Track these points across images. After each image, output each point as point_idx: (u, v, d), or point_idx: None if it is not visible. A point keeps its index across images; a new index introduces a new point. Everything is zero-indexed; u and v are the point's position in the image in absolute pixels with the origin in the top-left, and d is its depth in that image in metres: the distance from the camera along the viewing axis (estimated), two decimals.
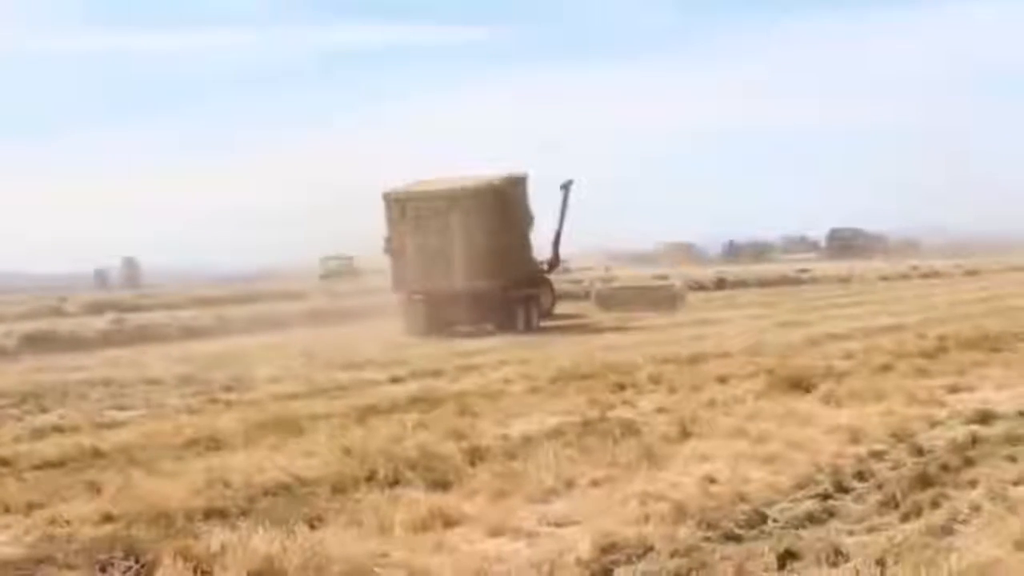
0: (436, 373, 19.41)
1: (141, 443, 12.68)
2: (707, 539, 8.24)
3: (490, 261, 30.28)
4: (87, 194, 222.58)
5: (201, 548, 7.98)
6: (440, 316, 30.49)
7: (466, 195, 30.77)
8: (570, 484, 10.05)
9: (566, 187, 34.04)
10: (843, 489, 9.75)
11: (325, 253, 71.03)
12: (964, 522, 8.49)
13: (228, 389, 18.01)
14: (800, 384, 15.48)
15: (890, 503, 9.10)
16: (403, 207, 31.04)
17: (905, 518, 8.70)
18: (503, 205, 31.22)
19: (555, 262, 34.65)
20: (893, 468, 10.52)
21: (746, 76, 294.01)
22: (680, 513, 8.82)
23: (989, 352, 19.55)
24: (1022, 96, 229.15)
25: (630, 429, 12.42)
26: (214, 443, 12.56)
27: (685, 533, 8.37)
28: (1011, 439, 11.69)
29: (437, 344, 25.86)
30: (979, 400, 14.41)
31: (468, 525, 8.86)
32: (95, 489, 10.20)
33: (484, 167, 33.10)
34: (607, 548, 7.97)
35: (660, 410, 14.02)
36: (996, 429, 12.31)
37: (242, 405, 15.98)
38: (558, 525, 8.90)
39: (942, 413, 13.39)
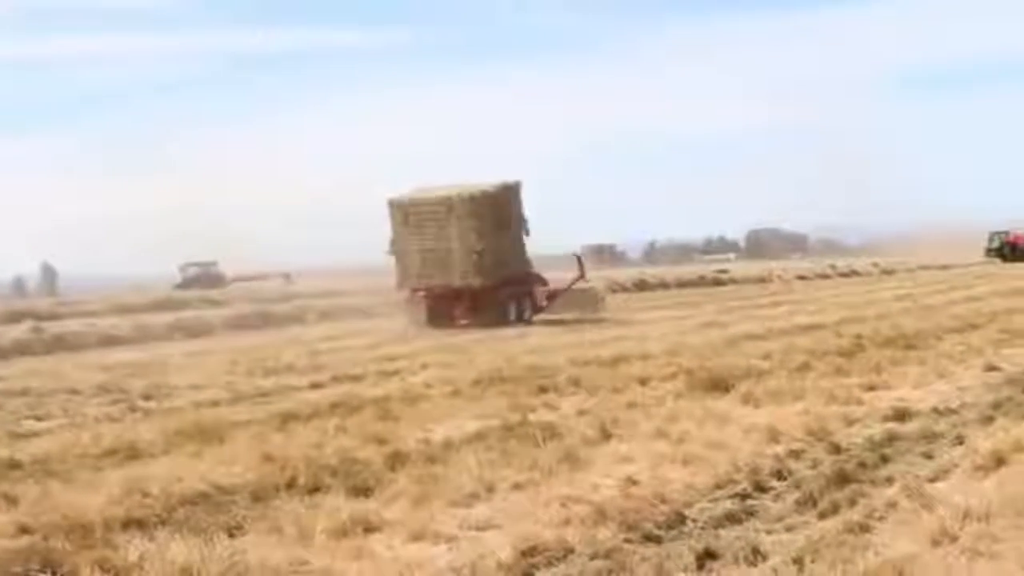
0: (357, 378, 19.34)
1: (59, 453, 12.49)
2: (627, 541, 8.29)
3: (484, 261, 33.48)
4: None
5: (119, 559, 7.93)
6: (439, 311, 33.76)
7: (463, 201, 33.68)
8: (491, 488, 10.05)
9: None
10: (762, 488, 9.85)
11: (186, 259, 70.46)
12: (881, 519, 8.59)
13: (148, 397, 17.82)
14: (720, 385, 15.60)
15: (808, 502, 9.21)
16: (406, 212, 34.14)
17: (823, 516, 8.81)
18: (497, 210, 34.25)
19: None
20: (811, 467, 10.63)
21: (671, 77, 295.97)
22: (601, 515, 8.86)
23: (905, 350, 19.81)
24: (934, 97, 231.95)
25: (551, 432, 12.44)
26: (133, 452, 12.41)
27: (605, 535, 8.42)
28: (926, 436, 11.88)
29: (358, 350, 25.74)
30: (895, 398, 14.60)
31: (389, 531, 8.85)
32: (11, 501, 10.03)
33: (477, 175, 35.82)
34: (528, 551, 8.00)
35: (581, 412, 14.08)
36: (912, 426, 12.50)
37: (161, 413, 15.83)
38: (479, 529, 8.91)
39: (859, 411, 13.55)
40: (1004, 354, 18.78)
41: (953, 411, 13.49)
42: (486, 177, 35.53)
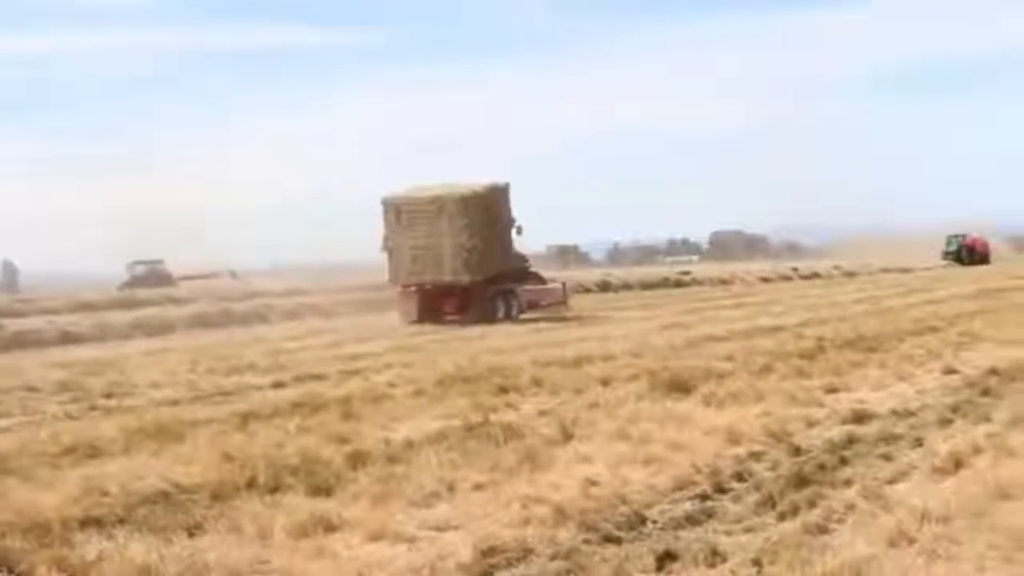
0: (319, 377, 19.30)
1: (16, 451, 12.36)
2: (587, 541, 8.31)
3: (473, 259, 34.77)
4: None
5: (76, 558, 7.88)
6: (430, 307, 35.23)
7: (453, 201, 35.07)
8: (452, 488, 10.06)
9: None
10: (721, 490, 9.89)
11: (133, 257, 69.96)
12: (839, 521, 8.65)
13: (108, 396, 17.74)
14: (681, 386, 15.64)
15: (767, 503, 9.25)
16: (398, 211, 35.55)
17: (782, 518, 8.86)
18: (485, 210, 35.48)
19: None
20: (771, 468, 10.68)
21: (639, 78, 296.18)
22: (561, 516, 8.88)
23: (866, 352, 19.90)
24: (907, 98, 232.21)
25: (512, 432, 12.45)
26: (92, 451, 12.31)
27: (565, 536, 8.44)
28: (885, 438, 11.94)
29: (320, 349, 25.69)
30: (855, 400, 14.67)
31: (349, 530, 8.83)
32: None
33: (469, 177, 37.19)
34: (487, 552, 8.01)
35: (542, 413, 14.09)
36: (871, 428, 12.56)
37: (121, 412, 15.74)
38: (439, 529, 8.90)
39: (820, 413, 13.61)
40: (963, 357, 18.89)
41: (912, 413, 13.56)
42: (456, 178, 36.72)
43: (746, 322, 29.03)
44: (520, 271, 37.18)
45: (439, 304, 35.35)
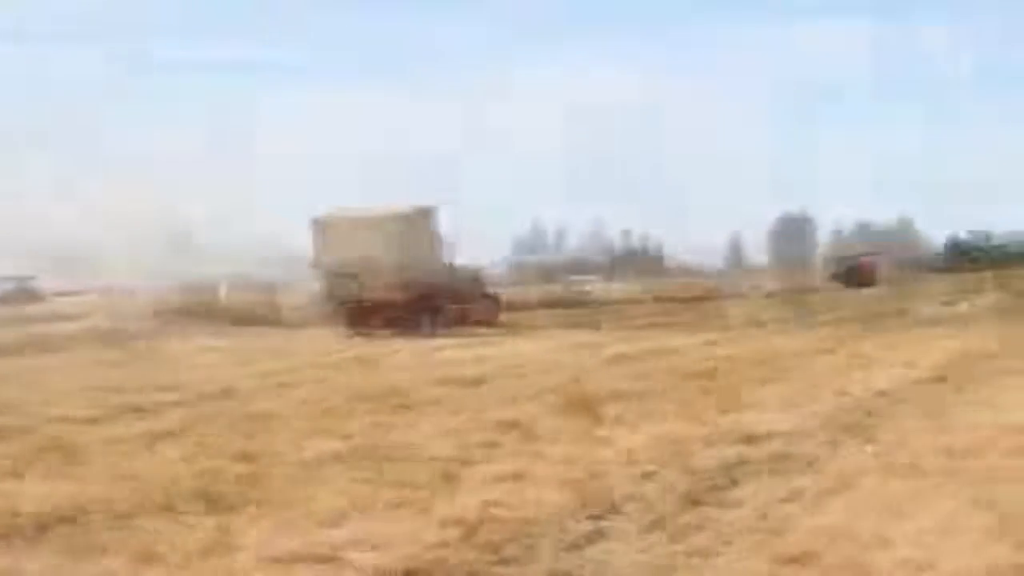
0: (227, 392, 19.24)
1: None
2: (486, 562, 8.42)
3: (399, 277, 37.33)
4: None
5: None
6: (361, 323, 37.16)
7: (380, 222, 38.16)
8: (357, 508, 10.10)
9: None
10: (616, 510, 10.05)
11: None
12: (729, 542, 8.84)
13: None
14: (586, 405, 15.80)
15: (660, 524, 9.43)
16: (327, 230, 38.55)
17: (673, 539, 9.03)
18: (411, 231, 38.67)
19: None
20: (665, 489, 10.85)
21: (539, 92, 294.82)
22: (463, 536, 8.98)
23: (766, 374, 20.19)
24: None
25: (416, 452, 12.54)
26: None
27: (466, 556, 8.54)
28: (779, 459, 12.18)
29: (232, 366, 25.51)
30: (753, 421, 14.89)
31: (250, 551, 8.85)
32: None
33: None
34: (387, 573, 8.09)
35: (447, 433, 14.17)
36: (765, 448, 12.79)
37: (17, 431, 15.37)
38: (345, 549, 8.95)
39: (716, 434, 13.82)
40: (856, 378, 19.24)
41: (807, 434, 13.83)
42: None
43: (653, 341, 29.31)
44: (449, 288, 39.24)
45: (368, 320, 37.13)
